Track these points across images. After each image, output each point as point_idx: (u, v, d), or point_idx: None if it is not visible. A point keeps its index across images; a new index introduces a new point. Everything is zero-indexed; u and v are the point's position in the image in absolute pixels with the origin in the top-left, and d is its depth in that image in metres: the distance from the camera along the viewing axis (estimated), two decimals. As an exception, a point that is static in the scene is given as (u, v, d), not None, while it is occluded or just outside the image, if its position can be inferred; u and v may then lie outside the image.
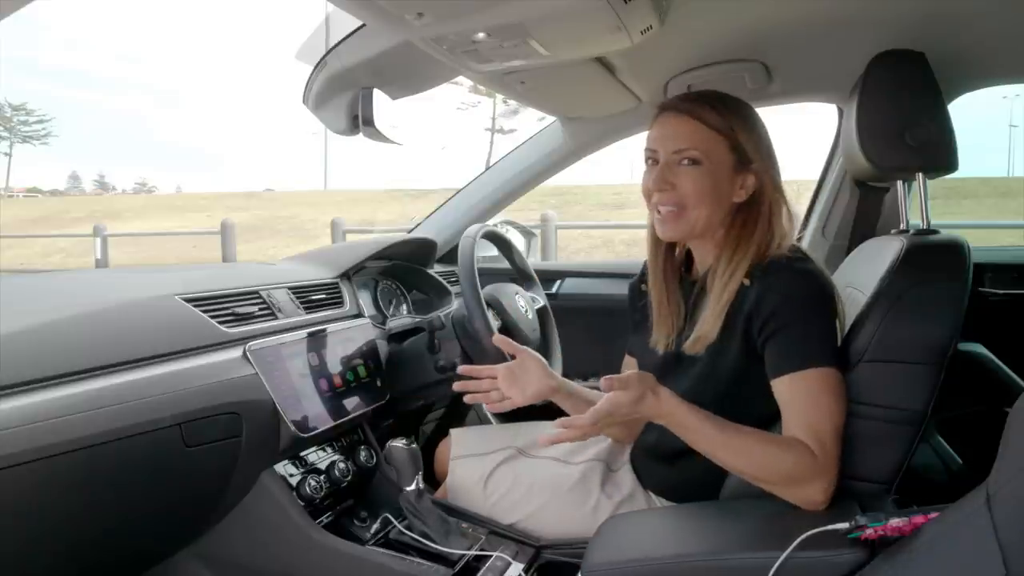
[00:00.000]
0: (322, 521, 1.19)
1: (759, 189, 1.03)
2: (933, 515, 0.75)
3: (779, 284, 0.94)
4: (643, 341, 1.13)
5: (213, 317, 1.11)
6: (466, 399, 1.16)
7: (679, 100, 1.05)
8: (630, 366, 1.23)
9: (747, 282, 0.97)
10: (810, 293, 0.94)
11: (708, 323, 0.99)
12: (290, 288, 1.34)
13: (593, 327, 1.86)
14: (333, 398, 1.25)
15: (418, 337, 1.44)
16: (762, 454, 0.91)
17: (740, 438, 0.92)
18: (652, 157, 1.04)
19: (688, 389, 1.01)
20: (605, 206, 15.55)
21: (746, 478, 0.94)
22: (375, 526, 1.22)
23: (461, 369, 1.17)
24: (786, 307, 0.93)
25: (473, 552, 1.12)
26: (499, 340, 1.18)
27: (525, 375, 1.14)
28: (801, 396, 0.91)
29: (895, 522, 0.76)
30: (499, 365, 1.15)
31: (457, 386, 1.16)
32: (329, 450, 1.29)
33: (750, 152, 1.02)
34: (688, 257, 1.13)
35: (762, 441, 0.92)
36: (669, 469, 1.09)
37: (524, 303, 1.47)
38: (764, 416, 0.96)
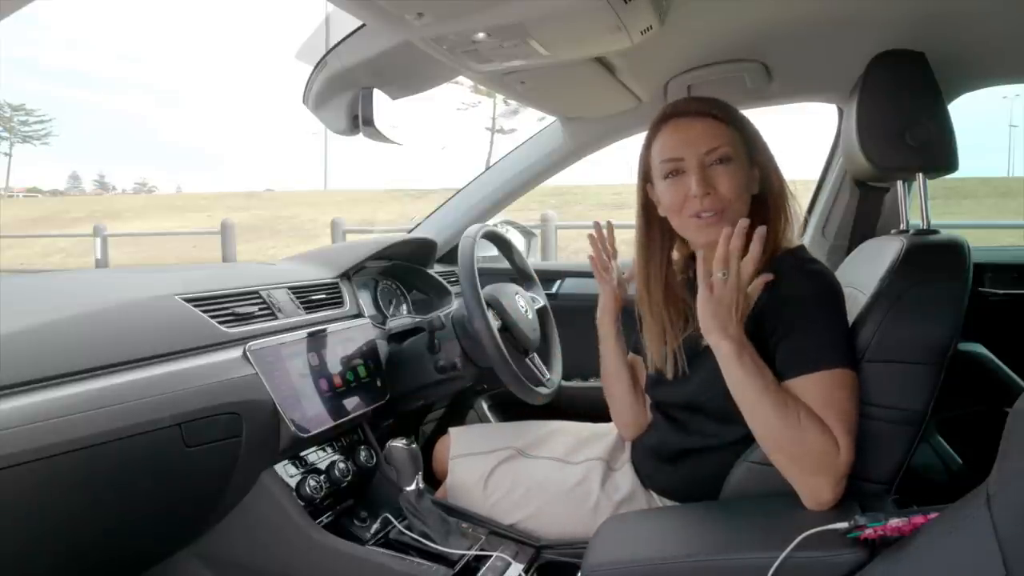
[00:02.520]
0: (322, 521, 1.19)
1: (764, 180, 1.04)
2: (933, 515, 0.75)
3: (789, 285, 0.94)
4: None
5: (213, 317, 1.11)
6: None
7: (686, 104, 1.04)
8: (635, 365, 1.23)
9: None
10: (820, 293, 0.94)
11: None
12: (290, 288, 1.34)
13: (593, 327, 1.86)
14: (333, 398, 1.25)
15: (418, 337, 1.44)
16: (799, 419, 0.87)
17: (785, 396, 0.89)
18: (676, 167, 1.01)
19: (702, 385, 1.02)
20: (605, 206, 15.53)
21: (770, 445, 0.90)
22: (375, 526, 1.22)
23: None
24: (797, 308, 0.92)
25: (473, 552, 1.12)
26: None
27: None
28: (814, 398, 0.90)
29: (895, 522, 0.76)
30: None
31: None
32: (329, 450, 1.29)
33: (756, 144, 1.04)
34: (691, 260, 1.13)
35: (803, 409, 0.89)
36: (671, 469, 1.09)
37: (524, 303, 1.47)
38: None
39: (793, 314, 0.92)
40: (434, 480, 1.35)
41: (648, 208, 1.10)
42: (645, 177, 1.09)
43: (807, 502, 0.89)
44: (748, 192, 1.02)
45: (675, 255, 1.14)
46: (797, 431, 0.88)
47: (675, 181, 1.02)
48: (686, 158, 1.00)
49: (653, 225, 1.11)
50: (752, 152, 1.03)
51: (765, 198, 1.04)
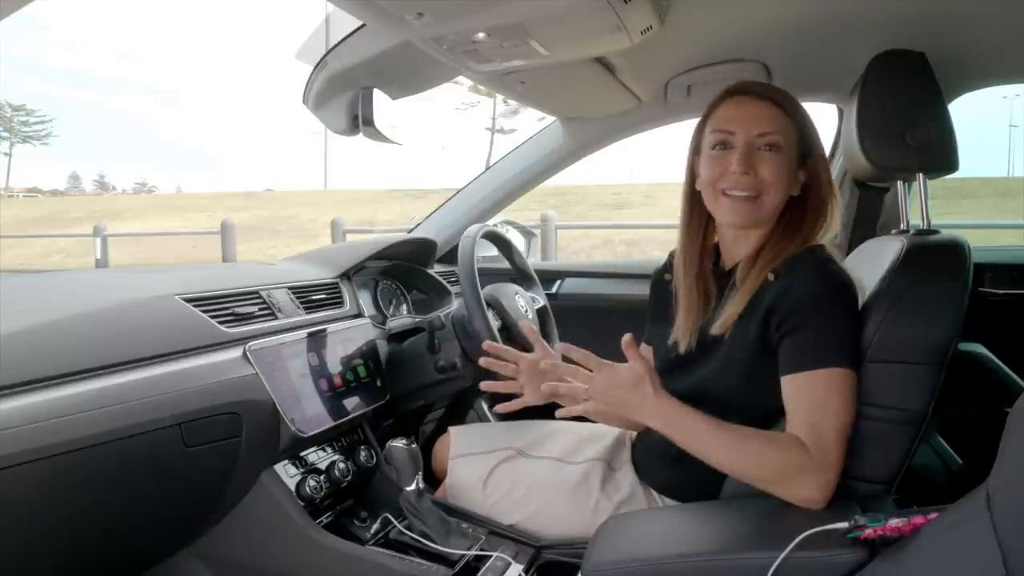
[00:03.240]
0: (322, 521, 1.19)
1: (809, 184, 1.04)
2: (933, 515, 0.75)
3: (803, 282, 0.94)
4: (662, 330, 1.13)
5: (213, 317, 1.11)
6: (483, 386, 1.14)
7: (755, 84, 1.04)
8: (646, 354, 1.23)
9: (771, 277, 0.97)
10: (832, 292, 0.94)
11: (735, 304, 0.99)
12: (290, 288, 1.34)
13: (593, 327, 1.86)
14: (333, 398, 1.25)
15: (418, 337, 1.44)
16: (751, 449, 0.91)
17: (729, 434, 0.92)
18: (725, 140, 1.01)
19: (708, 375, 1.03)
20: (605, 206, 15.56)
21: (738, 476, 0.94)
22: (375, 526, 1.22)
23: (486, 345, 1.18)
24: (807, 305, 0.92)
25: (473, 552, 1.12)
26: (525, 326, 1.18)
27: (544, 375, 1.13)
28: (809, 394, 0.91)
29: (894, 522, 0.76)
30: (525, 355, 1.13)
31: (483, 361, 1.16)
32: (329, 450, 1.29)
33: (812, 147, 1.03)
34: (715, 249, 1.13)
35: (751, 437, 0.92)
36: (672, 468, 1.09)
37: (524, 303, 1.47)
38: (773, 410, 0.96)
39: (803, 310, 0.92)
40: (434, 480, 1.35)
41: (693, 182, 1.10)
42: (695, 149, 1.09)
43: (800, 505, 0.89)
44: (787, 190, 1.02)
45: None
46: (752, 457, 0.91)
47: (720, 155, 1.02)
48: (737, 133, 1.00)
49: (695, 201, 1.10)
50: (805, 154, 1.03)
51: (804, 200, 1.04)
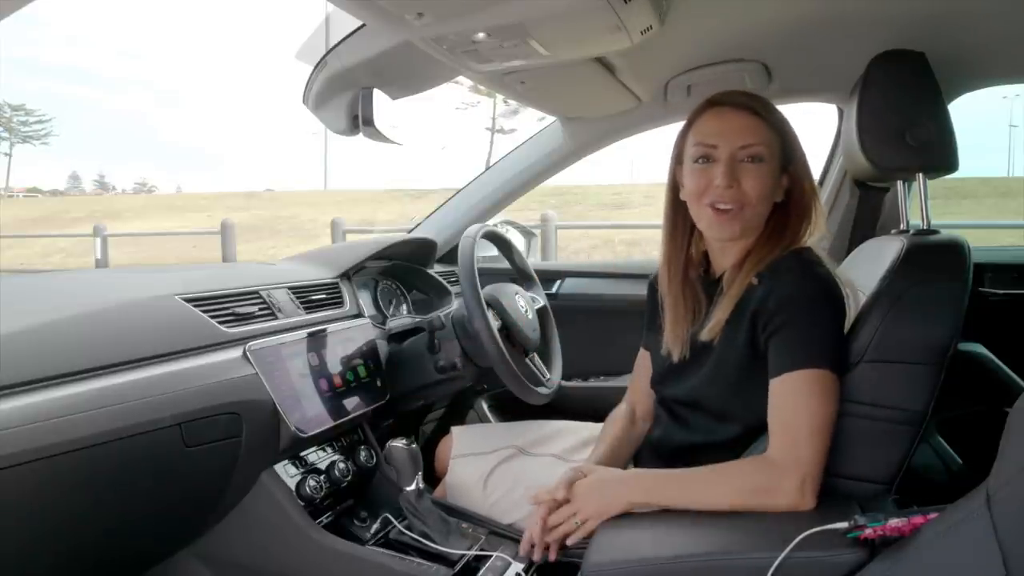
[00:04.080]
0: (322, 521, 1.19)
1: (792, 189, 1.03)
2: (933, 515, 0.75)
3: (787, 283, 0.94)
4: (658, 337, 1.14)
5: (213, 317, 1.11)
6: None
7: (734, 95, 1.03)
8: (644, 360, 1.23)
9: (755, 281, 0.97)
10: (816, 294, 0.94)
11: (722, 309, 0.99)
12: (290, 288, 1.34)
13: (593, 327, 1.86)
14: (333, 398, 1.25)
15: (418, 337, 1.44)
16: (720, 477, 0.93)
17: (694, 473, 0.95)
18: (707, 154, 1.01)
19: (701, 381, 1.03)
20: (605, 206, 15.56)
21: (723, 507, 0.92)
22: (375, 526, 1.22)
23: (525, 541, 1.02)
24: (791, 307, 0.93)
25: (473, 552, 1.12)
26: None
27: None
28: (788, 394, 0.91)
29: (894, 522, 0.76)
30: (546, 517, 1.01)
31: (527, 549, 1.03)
32: (329, 450, 1.29)
33: (794, 153, 1.03)
34: (704, 257, 1.13)
35: (713, 469, 0.94)
36: (672, 466, 1.09)
37: (524, 303, 1.47)
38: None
39: (786, 311, 0.93)
40: (435, 480, 1.35)
41: (676, 191, 1.09)
42: (677, 159, 1.08)
43: (793, 510, 0.89)
44: (771, 198, 1.02)
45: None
46: (723, 482, 0.93)
47: (703, 168, 1.01)
48: (719, 146, 1.00)
49: (678, 210, 1.10)
50: (786, 161, 1.02)
51: (788, 205, 1.04)
